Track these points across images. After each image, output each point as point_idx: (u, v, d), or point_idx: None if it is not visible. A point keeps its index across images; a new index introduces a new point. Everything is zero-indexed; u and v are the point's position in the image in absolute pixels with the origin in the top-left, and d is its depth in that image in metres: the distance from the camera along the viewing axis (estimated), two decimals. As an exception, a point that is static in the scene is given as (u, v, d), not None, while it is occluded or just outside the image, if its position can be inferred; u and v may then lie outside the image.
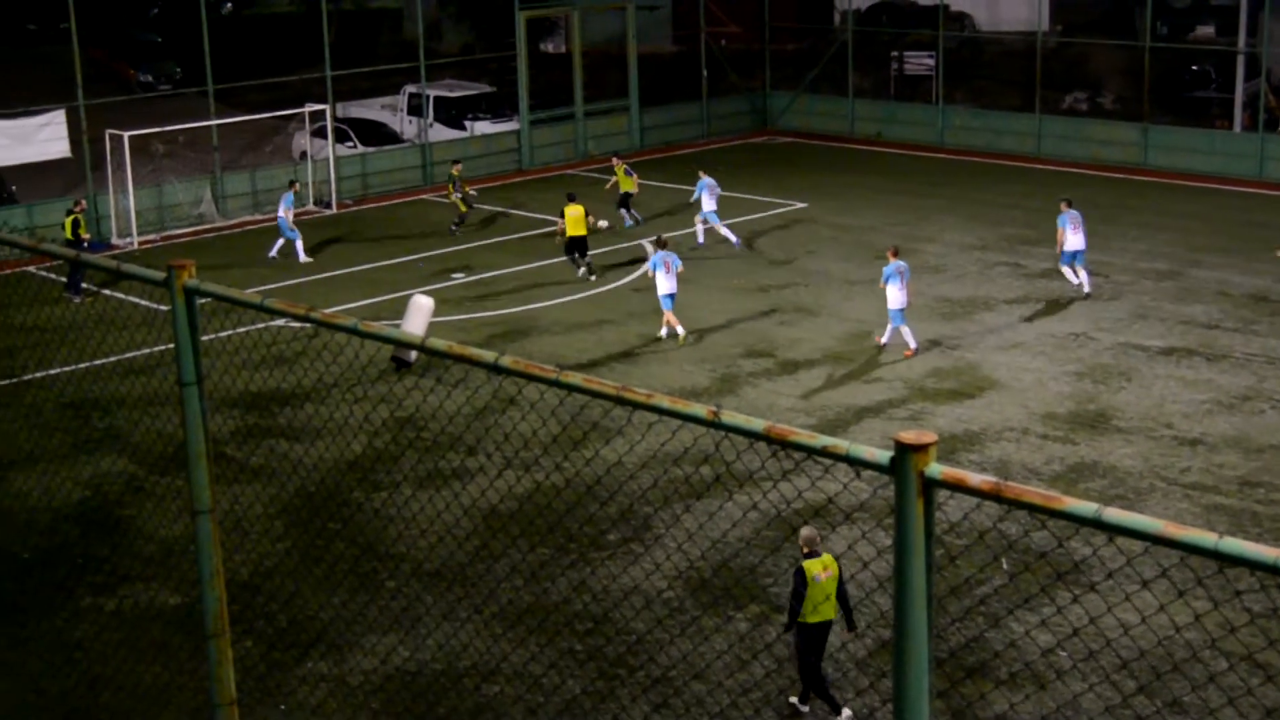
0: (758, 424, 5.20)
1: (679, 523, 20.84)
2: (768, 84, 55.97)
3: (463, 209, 39.92)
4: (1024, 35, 53.08)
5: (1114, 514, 4.41)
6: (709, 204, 37.91)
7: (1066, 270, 32.98)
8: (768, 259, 36.88)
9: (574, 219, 35.32)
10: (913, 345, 29.14)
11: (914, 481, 4.73)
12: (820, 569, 16.47)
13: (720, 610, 18.97)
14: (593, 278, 35.39)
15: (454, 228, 39.93)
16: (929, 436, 4.74)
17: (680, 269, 30.47)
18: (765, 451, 5.95)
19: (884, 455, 4.83)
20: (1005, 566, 19.67)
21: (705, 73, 54.04)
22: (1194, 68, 51.56)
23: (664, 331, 30.60)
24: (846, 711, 16.78)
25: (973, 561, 19.56)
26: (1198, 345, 29.34)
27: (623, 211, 40.18)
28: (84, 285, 34.43)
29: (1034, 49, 49.74)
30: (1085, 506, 4.46)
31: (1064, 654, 17.51)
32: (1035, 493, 4.57)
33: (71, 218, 35.43)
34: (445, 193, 40.94)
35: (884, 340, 29.62)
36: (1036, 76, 49.09)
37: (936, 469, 4.71)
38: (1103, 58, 53.02)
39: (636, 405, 5.56)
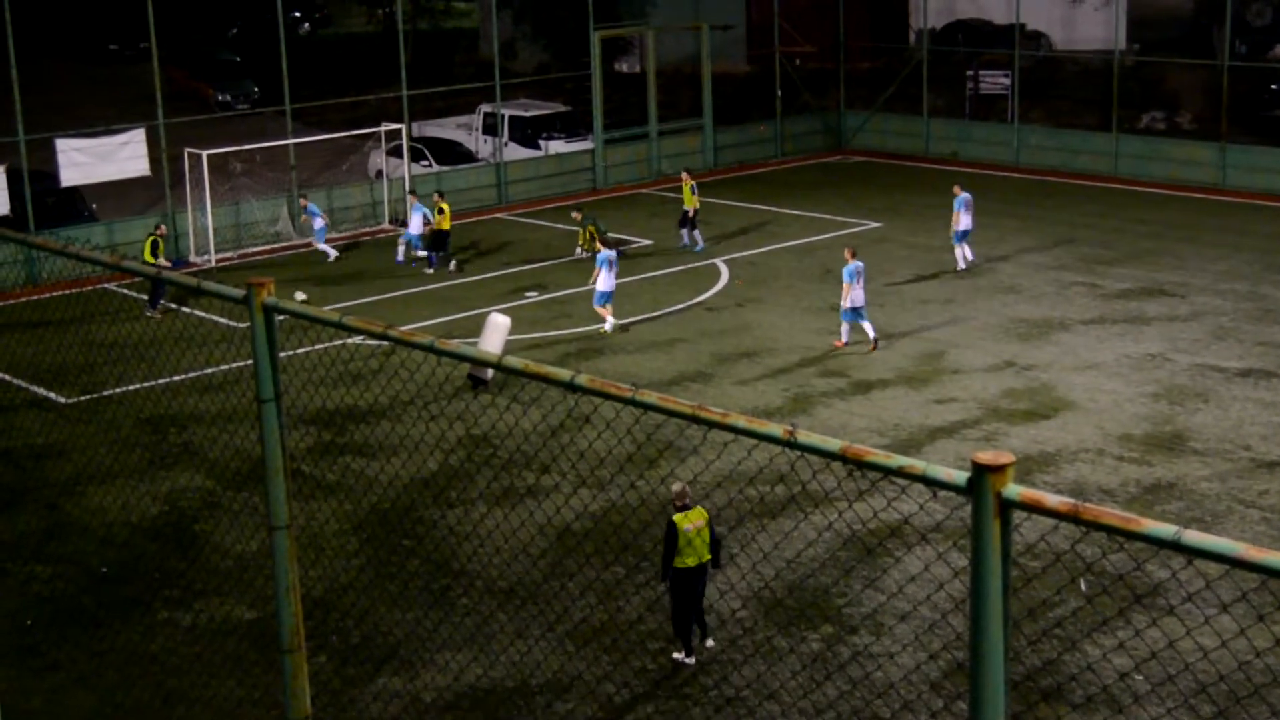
0: (834, 444, 5.19)
1: (753, 543, 20.80)
2: (842, 103, 55.88)
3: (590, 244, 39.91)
4: (1101, 54, 52.77)
5: (1193, 536, 4.38)
6: (415, 226, 39.24)
7: (959, 249, 36.72)
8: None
9: (447, 214, 39.03)
10: (873, 339, 30.74)
11: (991, 502, 4.70)
12: (689, 521, 18.01)
13: (793, 631, 18.92)
14: (447, 267, 38.89)
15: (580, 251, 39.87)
16: (1006, 457, 4.71)
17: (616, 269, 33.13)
18: (840, 472, 5.96)
19: (961, 476, 4.81)
20: (1083, 588, 19.52)
21: (779, 92, 54.02)
22: (1273, 86, 51.09)
23: (608, 325, 32.54)
24: (690, 660, 18.28)
25: (1049, 583, 19.42)
26: (1276, 367, 29.04)
27: (684, 231, 40.10)
28: (161, 302, 34.72)
29: (1111, 68, 49.44)
30: (1164, 528, 4.43)
31: (1140, 678, 17.36)
32: (1114, 514, 4.54)
33: (150, 239, 35.74)
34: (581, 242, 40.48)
35: (844, 341, 31.03)
36: (1113, 96, 48.78)
37: (1014, 490, 4.69)
38: (1180, 77, 52.64)
39: (712, 424, 5.56)
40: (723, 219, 43.47)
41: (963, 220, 36.71)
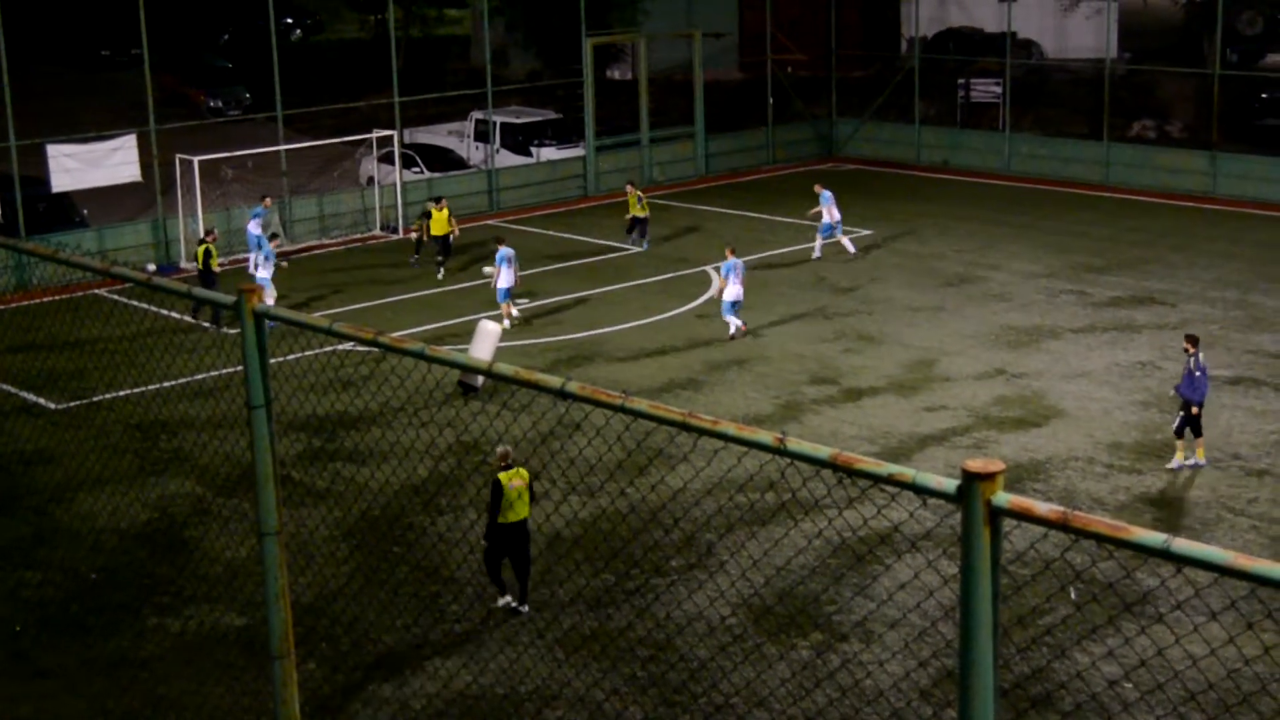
0: (824, 451, 5.19)
1: (743, 550, 20.80)
2: (834, 111, 55.92)
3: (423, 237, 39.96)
4: (1092, 63, 52.86)
5: (1183, 544, 4.38)
6: (265, 272, 36.22)
7: (819, 241, 39.37)
8: (832, 286, 36.82)
9: (439, 220, 38.85)
10: (733, 332, 32.51)
11: (981, 510, 4.71)
12: (513, 478, 19.53)
13: (783, 638, 18.92)
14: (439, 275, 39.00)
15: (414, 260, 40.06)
16: (996, 465, 4.72)
17: (517, 265, 34.28)
18: (830, 479, 5.95)
19: (951, 484, 4.81)
20: (1073, 596, 19.53)
21: (771, 100, 54.06)
22: (1264, 95, 51.19)
23: (507, 323, 33.10)
24: (506, 599, 19.93)
25: (1038, 591, 19.43)
26: (1266, 375, 29.08)
27: (634, 235, 40.62)
28: (199, 315, 34.12)
29: (1102, 76, 49.52)
30: (1154, 537, 4.44)
31: (1130, 686, 17.37)
32: (1103, 522, 4.54)
33: (204, 247, 35.36)
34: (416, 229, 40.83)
35: (741, 329, 32.54)
36: (1104, 104, 48.85)
37: (1004, 498, 4.69)
38: (1171, 85, 52.72)
39: (703, 431, 5.56)
40: (714, 226, 43.49)
41: (832, 213, 39.29)
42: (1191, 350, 24.18)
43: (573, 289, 37.05)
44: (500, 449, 19.93)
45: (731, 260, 32.49)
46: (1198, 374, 24.01)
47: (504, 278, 33.56)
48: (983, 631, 4.77)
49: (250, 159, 43.35)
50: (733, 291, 32.32)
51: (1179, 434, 24.37)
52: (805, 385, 29.28)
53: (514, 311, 33.75)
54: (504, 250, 33.74)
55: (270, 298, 33.82)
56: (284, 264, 38.56)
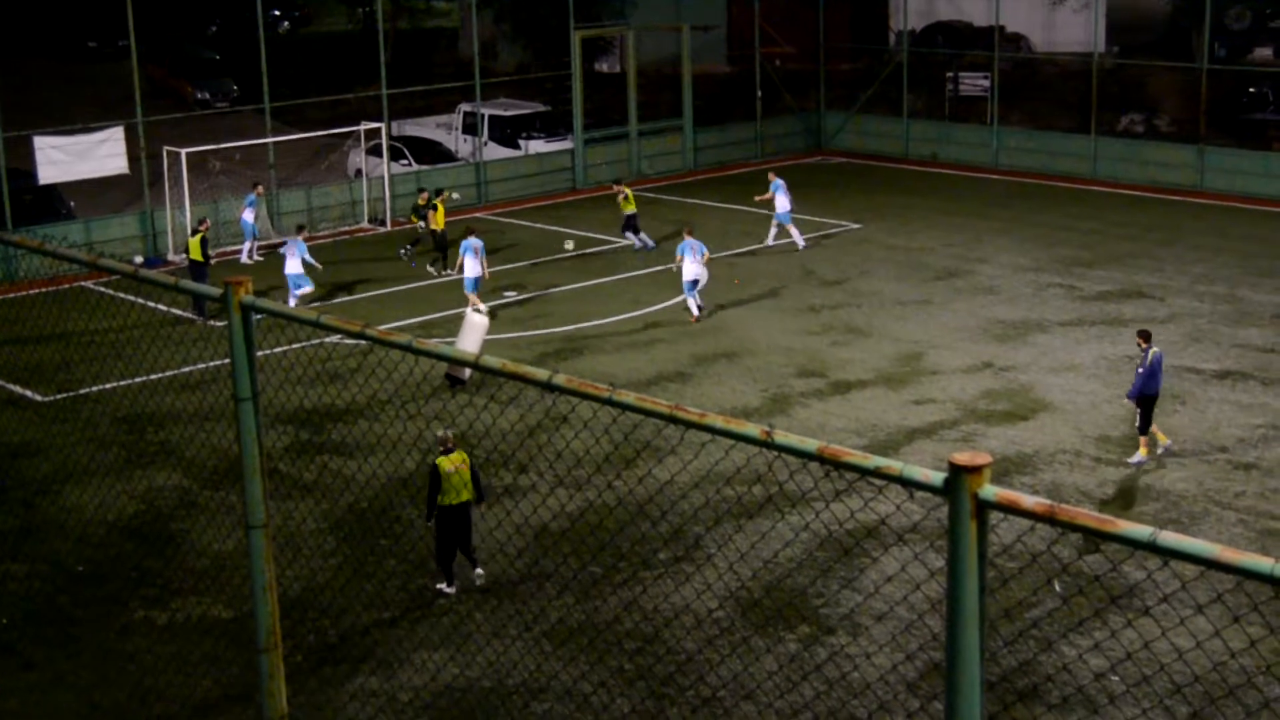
0: (811, 444, 5.19)
1: (730, 543, 20.81)
2: (822, 104, 55.92)
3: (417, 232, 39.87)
4: (1080, 57, 52.89)
5: (1169, 538, 4.39)
6: (294, 266, 35.88)
7: (792, 229, 39.70)
8: (820, 279, 36.83)
9: (443, 212, 38.89)
10: (696, 314, 33.16)
11: (968, 503, 4.71)
12: (454, 463, 19.88)
13: (770, 631, 18.93)
14: (413, 264, 39.24)
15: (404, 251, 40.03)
16: (983, 458, 4.72)
17: (484, 256, 34.21)
18: (818, 472, 5.96)
19: (938, 477, 4.81)
20: (1058, 589, 19.56)
21: (760, 93, 54.04)
22: (1251, 90, 51.24)
23: (483, 310, 33.02)
24: (451, 590, 20.13)
25: (1025, 584, 19.46)
26: (1253, 369, 29.12)
27: (629, 235, 40.24)
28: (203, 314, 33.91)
29: (1090, 70, 49.55)
30: (1140, 530, 4.44)
31: (1116, 678, 17.40)
32: (1089, 515, 4.54)
33: (198, 237, 35.27)
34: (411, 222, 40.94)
35: (693, 318, 33.18)
36: (1092, 98, 48.89)
37: (990, 491, 4.69)
38: (1159, 79, 52.78)
39: (690, 425, 5.56)
40: (703, 219, 43.45)
41: (781, 202, 39.59)
42: (1143, 345, 24.38)
43: (560, 282, 37.03)
44: (440, 433, 20.26)
45: (687, 240, 32.97)
46: (1140, 370, 24.21)
47: (471, 267, 33.50)
48: (969, 624, 4.77)
49: (238, 151, 43.29)
50: (690, 271, 32.84)
51: (1142, 431, 24.47)
52: (793, 378, 29.29)
53: (482, 307, 33.20)
54: (471, 241, 33.80)
55: (295, 291, 34.52)
56: (317, 267, 38.21)
